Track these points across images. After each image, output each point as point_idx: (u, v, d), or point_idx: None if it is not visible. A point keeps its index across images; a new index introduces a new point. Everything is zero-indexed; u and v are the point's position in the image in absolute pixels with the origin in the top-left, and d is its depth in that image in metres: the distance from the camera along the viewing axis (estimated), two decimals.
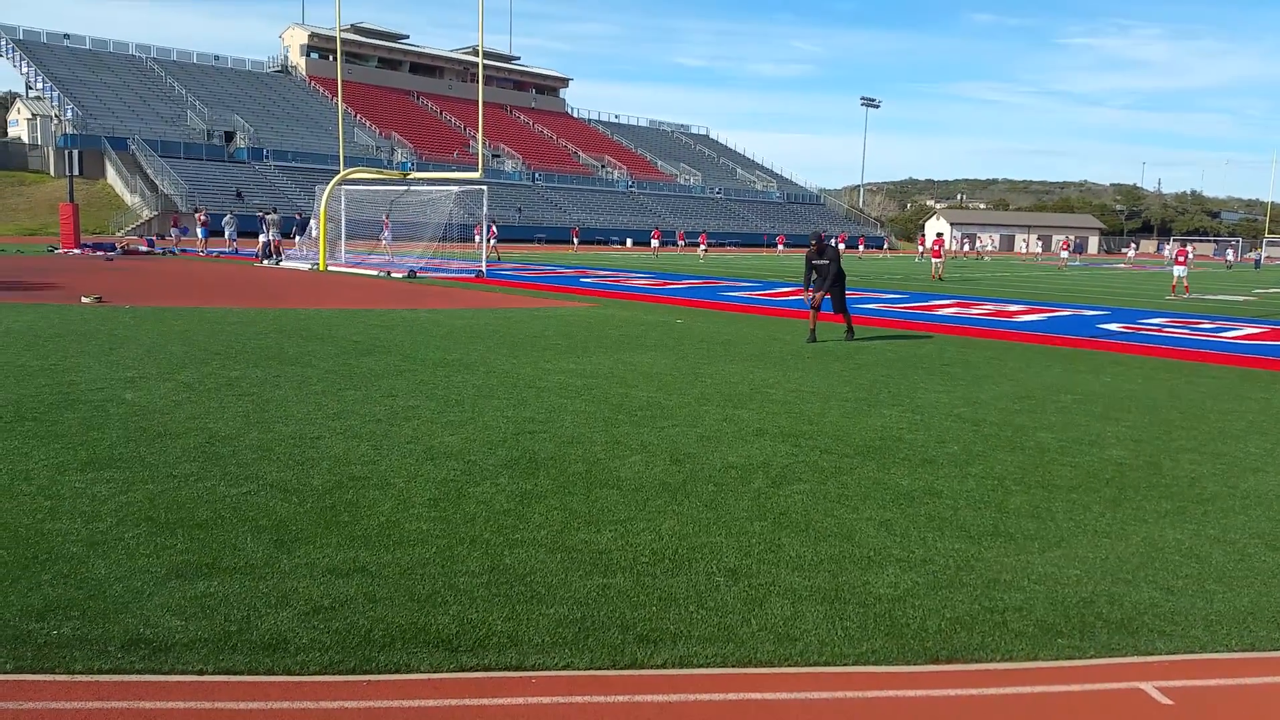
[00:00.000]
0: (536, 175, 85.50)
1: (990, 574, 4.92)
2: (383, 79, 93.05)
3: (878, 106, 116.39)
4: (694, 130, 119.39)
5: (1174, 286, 30.65)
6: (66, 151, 50.47)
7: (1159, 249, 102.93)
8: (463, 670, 3.74)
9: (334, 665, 3.72)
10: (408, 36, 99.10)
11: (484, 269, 29.81)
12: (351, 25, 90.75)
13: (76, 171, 43.70)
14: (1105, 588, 4.79)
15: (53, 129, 66.09)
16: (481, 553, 4.98)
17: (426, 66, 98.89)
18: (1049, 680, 3.84)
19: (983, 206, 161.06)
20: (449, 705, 3.49)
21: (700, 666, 3.83)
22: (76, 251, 35.87)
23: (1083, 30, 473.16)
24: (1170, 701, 3.70)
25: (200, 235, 39.68)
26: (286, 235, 37.58)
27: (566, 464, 6.82)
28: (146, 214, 57.75)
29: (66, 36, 76.99)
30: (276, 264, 32.94)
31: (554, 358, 12.05)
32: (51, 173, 64.75)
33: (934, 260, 37.69)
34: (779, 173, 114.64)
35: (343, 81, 35.20)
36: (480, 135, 31.90)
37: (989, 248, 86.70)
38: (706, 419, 8.57)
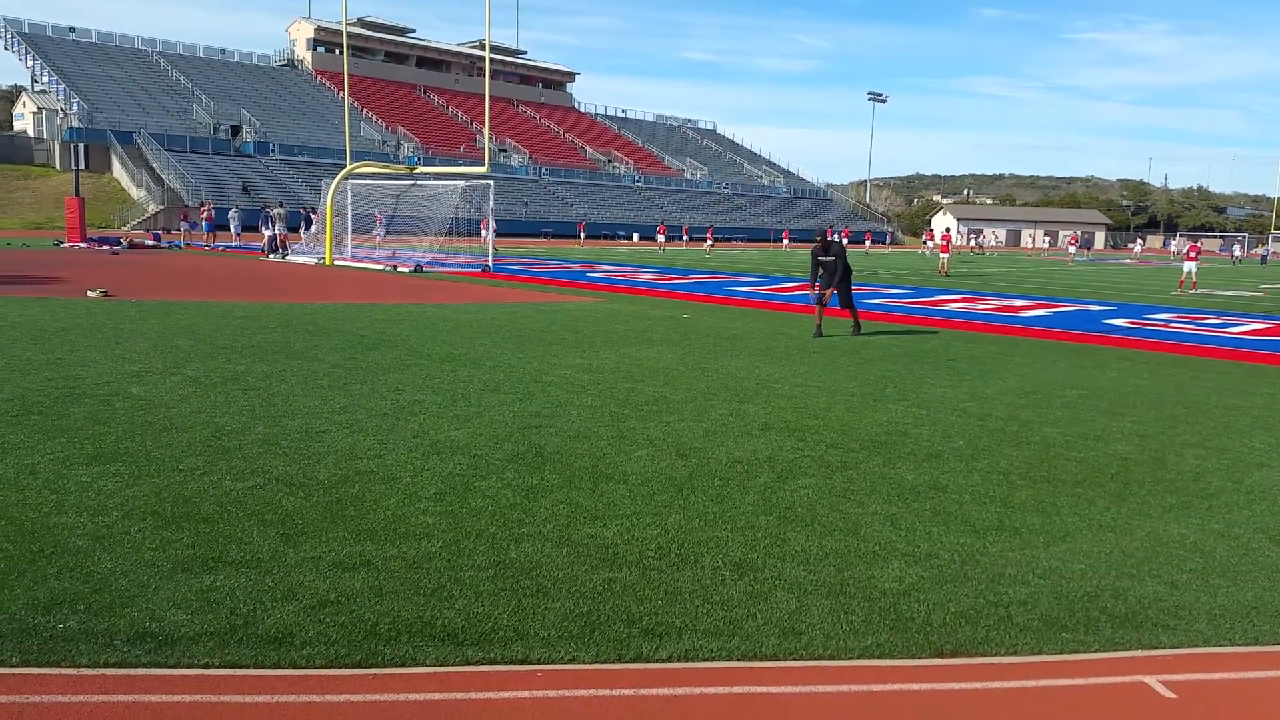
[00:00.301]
0: (543, 170, 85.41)
1: (995, 568, 4.92)
2: (389, 73, 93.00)
3: (884, 101, 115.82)
4: (701, 125, 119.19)
5: (1182, 282, 30.58)
6: (72, 145, 50.63)
7: (1165, 244, 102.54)
8: (468, 664, 3.75)
9: (340, 659, 3.73)
10: (414, 30, 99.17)
11: (490, 263, 29.82)
12: (358, 19, 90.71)
13: (82, 165, 43.85)
14: (1110, 582, 4.79)
15: (58, 122, 66.10)
16: (487, 547, 4.99)
17: (433, 61, 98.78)
18: (1053, 674, 3.84)
19: (989, 202, 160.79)
20: (455, 699, 3.50)
21: (706, 660, 3.84)
22: (82, 245, 35.93)
23: (1090, 25, 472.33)
24: (1174, 695, 3.70)
25: (205, 229, 39.75)
26: (293, 230, 37.62)
27: (572, 458, 6.83)
28: (152, 208, 57.78)
29: (72, 30, 77.07)
30: (283, 258, 32.97)
31: (560, 352, 12.05)
32: (57, 166, 64.80)
33: (942, 255, 37.68)
34: (785, 167, 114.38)
35: (349, 75, 35.20)
36: (487, 130, 31.89)
37: (992, 243, 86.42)
38: (712, 414, 8.57)
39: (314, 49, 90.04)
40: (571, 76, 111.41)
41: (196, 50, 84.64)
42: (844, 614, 4.29)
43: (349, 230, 35.23)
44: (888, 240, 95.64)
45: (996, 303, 22.73)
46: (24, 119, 71.31)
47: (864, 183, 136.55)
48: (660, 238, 60.55)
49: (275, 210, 35.73)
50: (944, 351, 13.45)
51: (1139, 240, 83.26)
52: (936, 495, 6.23)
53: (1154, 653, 4.05)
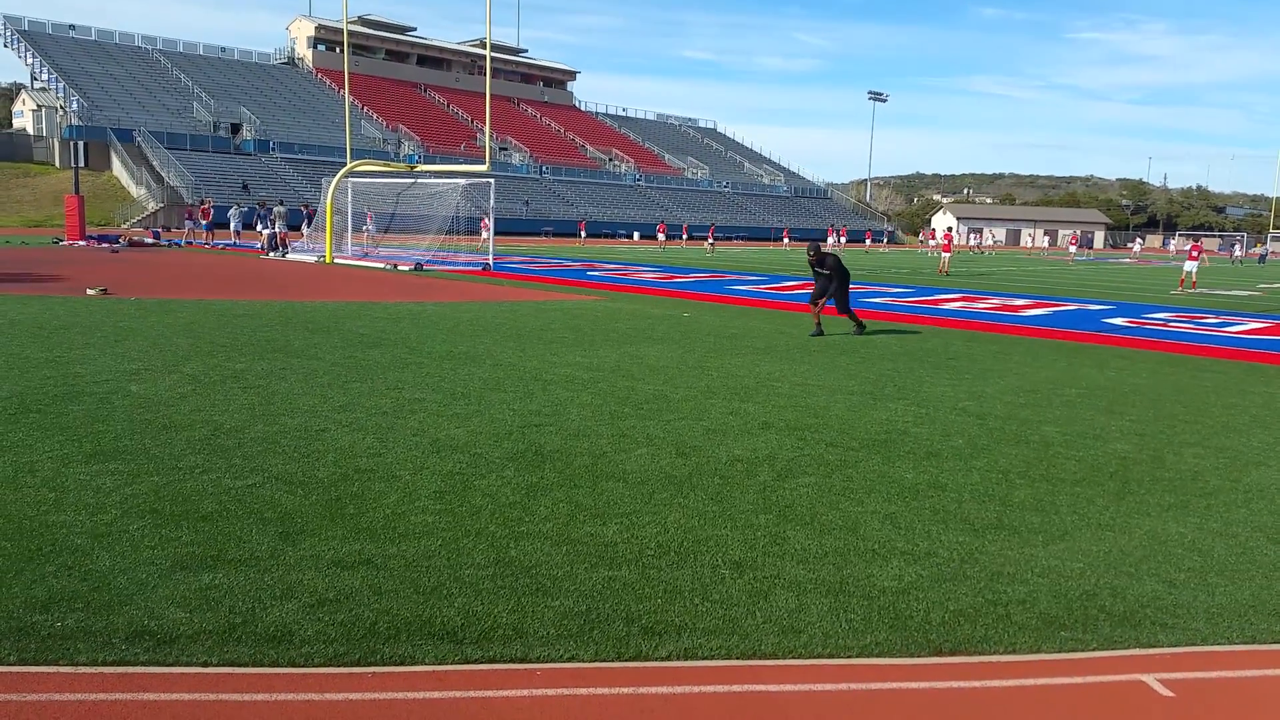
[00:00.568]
0: (544, 168, 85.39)
1: (994, 567, 4.93)
2: (390, 71, 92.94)
3: (885, 100, 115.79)
4: (701, 124, 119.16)
5: (1182, 281, 30.57)
6: (72, 143, 50.62)
7: (1164, 244, 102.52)
8: (468, 662, 3.75)
9: (339, 657, 3.73)
10: (415, 29, 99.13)
11: (491, 262, 29.81)
12: (359, 17, 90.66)
13: (82, 163, 43.84)
14: (1108, 581, 4.79)
15: (58, 120, 66.08)
16: (487, 545, 4.99)
17: (434, 59, 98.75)
18: (1051, 672, 3.84)
19: (989, 201, 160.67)
20: (454, 697, 3.50)
21: (705, 659, 3.84)
22: (82, 243, 35.94)
23: (1090, 24, 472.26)
24: (1171, 694, 3.70)
25: (202, 227, 39.76)
26: (293, 228, 37.62)
27: (572, 457, 6.83)
28: (152, 206, 57.76)
29: (72, 27, 77.06)
30: (283, 256, 32.97)
31: (560, 351, 12.05)
32: (57, 164, 64.78)
33: (944, 255, 37.72)
34: (786, 166, 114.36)
35: (350, 74, 35.15)
36: (487, 128, 31.88)
37: (989, 242, 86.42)
38: (712, 412, 8.57)
39: (314, 47, 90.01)
40: (572, 75, 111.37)
41: (197, 48, 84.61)
42: (843, 612, 4.29)
43: (349, 228, 35.22)
44: (885, 239, 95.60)
45: (996, 302, 22.74)
46: (23, 116, 71.27)
47: (864, 182, 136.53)
48: (661, 236, 60.57)
49: (276, 208, 35.73)
50: (944, 350, 13.45)
51: (1138, 240, 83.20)
52: (936, 494, 6.23)
53: (1152, 651, 4.05)
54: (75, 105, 64.26)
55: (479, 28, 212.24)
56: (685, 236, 65.30)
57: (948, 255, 37.54)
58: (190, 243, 40.13)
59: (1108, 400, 9.87)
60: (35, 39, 72.07)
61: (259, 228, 35.84)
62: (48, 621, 3.93)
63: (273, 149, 70.09)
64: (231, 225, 42.02)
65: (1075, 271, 42.94)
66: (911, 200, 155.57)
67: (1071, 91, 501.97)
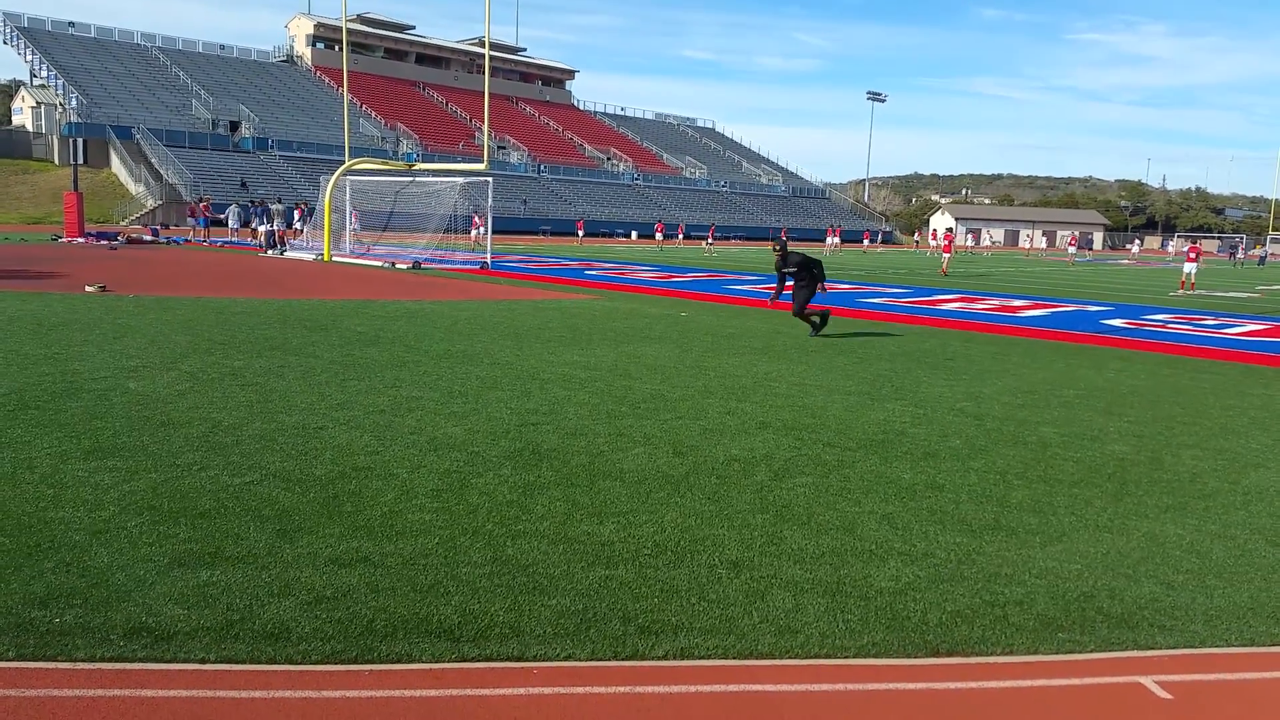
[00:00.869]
0: (542, 167, 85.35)
1: (991, 568, 4.93)
2: (389, 69, 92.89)
3: (884, 101, 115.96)
4: (700, 123, 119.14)
5: (1183, 283, 30.60)
6: (71, 140, 50.52)
7: (1163, 245, 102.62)
8: (464, 661, 3.75)
9: (336, 655, 3.73)
10: (414, 27, 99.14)
11: (489, 260, 29.80)
12: (358, 15, 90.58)
13: (81, 160, 43.75)
14: (1106, 582, 4.79)
15: (57, 117, 65.99)
16: (484, 544, 4.99)
17: (433, 57, 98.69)
18: (1049, 674, 3.85)
19: (987, 201, 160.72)
20: (450, 695, 3.50)
21: (702, 658, 3.84)
22: (80, 240, 35.92)
23: (1089, 26, 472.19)
24: (1169, 696, 3.70)
25: (200, 224, 39.73)
26: (290, 226, 37.61)
27: (570, 456, 6.83)
28: (151, 203, 57.70)
29: (71, 24, 76.95)
30: (281, 254, 32.94)
31: (558, 350, 12.05)
32: (56, 161, 64.68)
33: (944, 255, 37.80)
34: (785, 166, 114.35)
35: (348, 72, 35.15)
36: (486, 127, 31.87)
37: (987, 243, 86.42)
38: (710, 412, 8.57)
39: (313, 45, 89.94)
40: (571, 74, 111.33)
41: (196, 46, 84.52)
42: (840, 613, 4.30)
43: (347, 227, 35.20)
44: (880, 239, 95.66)
45: (995, 303, 22.74)
46: (22, 113, 71.16)
47: (862, 182, 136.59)
48: (659, 236, 60.57)
49: (275, 206, 35.69)
50: (941, 351, 13.46)
51: (1137, 241, 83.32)
52: (933, 494, 6.23)
53: (1150, 653, 4.06)
54: (74, 102, 64.20)
55: (478, 26, 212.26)
56: (681, 236, 65.24)
57: (949, 256, 37.60)
58: (189, 240, 40.12)
59: (1106, 401, 9.87)
60: (34, 36, 71.98)
61: (254, 225, 35.83)
62: (46, 617, 3.92)
63: (271, 147, 70.03)
64: (230, 223, 42.02)
65: (1073, 272, 42.97)
66: (910, 200, 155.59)
67: (1071, 93, 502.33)
